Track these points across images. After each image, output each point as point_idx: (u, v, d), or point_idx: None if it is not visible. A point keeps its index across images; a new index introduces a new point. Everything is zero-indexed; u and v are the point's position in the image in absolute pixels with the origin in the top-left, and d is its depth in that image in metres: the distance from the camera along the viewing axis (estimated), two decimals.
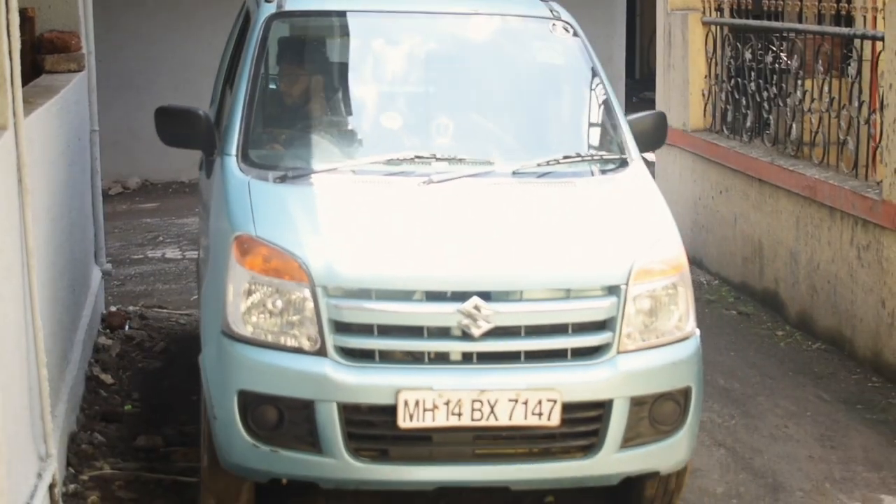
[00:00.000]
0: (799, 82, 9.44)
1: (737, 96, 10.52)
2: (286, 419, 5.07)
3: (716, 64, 10.88)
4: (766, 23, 10.47)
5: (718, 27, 10.84)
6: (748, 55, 10.30)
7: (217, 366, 5.31)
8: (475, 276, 5.19)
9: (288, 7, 6.69)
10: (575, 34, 6.85)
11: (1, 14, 5.08)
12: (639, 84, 21.17)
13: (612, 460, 5.21)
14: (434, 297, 5.15)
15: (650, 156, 14.22)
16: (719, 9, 10.83)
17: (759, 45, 10.15)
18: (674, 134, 11.19)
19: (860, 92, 8.80)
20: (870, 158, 8.40)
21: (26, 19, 7.56)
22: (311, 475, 5.18)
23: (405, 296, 5.15)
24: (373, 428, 5.10)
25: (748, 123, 10.34)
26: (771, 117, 10.07)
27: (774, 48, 9.98)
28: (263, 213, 5.47)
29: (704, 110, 11.10)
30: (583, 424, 5.19)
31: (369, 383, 5.03)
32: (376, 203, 5.72)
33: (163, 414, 7.34)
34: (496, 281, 5.19)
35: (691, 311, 5.48)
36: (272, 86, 6.76)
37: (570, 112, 6.97)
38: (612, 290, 5.24)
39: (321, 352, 5.04)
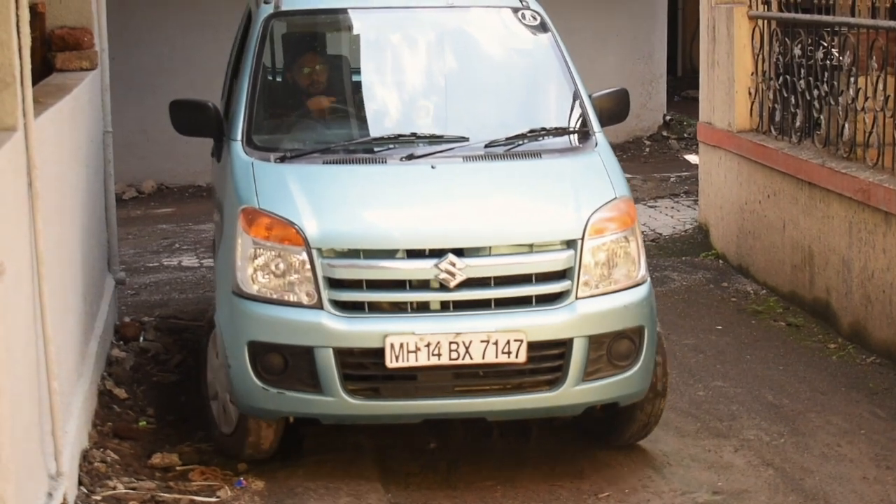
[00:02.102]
0: (852, 79, 9.35)
1: (785, 95, 10.41)
2: (290, 364, 6.20)
3: (763, 60, 10.77)
4: (816, 17, 10.38)
5: (766, 21, 10.73)
6: (797, 51, 10.16)
7: (230, 322, 6.47)
8: (449, 235, 6.33)
9: (284, 7, 7.81)
10: (542, 21, 7.86)
11: (10, 9, 5.08)
12: (681, 81, 21.11)
13: (574, 392, 6.28)
14: (414, 254, 6.29)
15: (693, 158, 14.24)
16: (766, 2, 10.74)
17: (809, 41, 10.04)
18: (719, 135, 11.18)
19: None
20: None
21: (36, 15, 7.59)
22: (313, 412, 6.35)
23: (389, 254, 6.34)
24: (364, 369, 6.26)
25: (797, 123, 10.18)
26: (822, 117, 9.88)
27: (825, 43, 9.89)
28: (265, 188, 6.63)
29: (751, 110, 10.98)
30: (547, 361, 6.27)
31: (360, 330, 6.17)
32: (362, 177, 6.92)
33: (179, 430, 7.38)
34: (467, 238, 6.33)
35: (642, 261, 6.62)
36: (271, 78, 7.94)
37: (537, 92, 8.04)
38: (570, 244, 6.36)
39: (318, 305, 6.18)
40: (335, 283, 6.24)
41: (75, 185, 7.39)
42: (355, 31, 8.27)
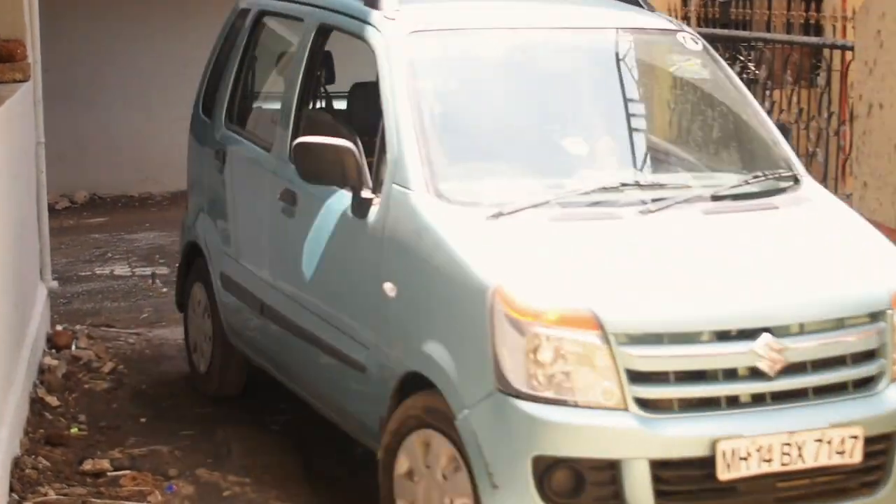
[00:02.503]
0: (767, 93, 9.48)
1: None
2: (587, 482, 4.78)
3: None
4: (733, 32, 10.52)
5: None
6: None
7: (499, 430, 4.85)
8: (761, 310, 5.00)
9: (421, 24, 6.29)
10: (704, 46, 6.69)
11: None
12: None
13: (894, 496, 5.11)
14: (723, 336, 4.93)
15: None
16: (685, 18, 10.83)
17: (727, 55, 9.88)
18: None
19: (829, 103, 8.86)
20: (839, 171, 8.44)
21: None
22: None
23: (695, 337, 4.90)
24: (687, 483, 4.88)
25: None
26: None
27: (742, 58, 10.03)
28: (509, 256, 5.18)
29: None
30: (872, 459, 5.00)
31: (681, 435, 4.80)
32: (614, 237, 5.42)
33: (110, 437, 7.32)
34: (779, 314, 4.99)
35: None
36: (438, 111, 6.03)
37: (731, 128, 6.65)
38: (878, 316, 5.12)
39: (621, 405, 4.75)
40: (638, 377, 4.77)
41: (7, 195, 7.33)
42: (514, 54, 6.53)
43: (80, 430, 7.43)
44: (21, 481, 6.47)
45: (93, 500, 6.38)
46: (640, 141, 6.33)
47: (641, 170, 6.10)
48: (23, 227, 8.19)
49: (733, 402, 4.87)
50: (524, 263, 5.09)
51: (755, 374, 4.87)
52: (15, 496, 6.25)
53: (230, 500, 6.51)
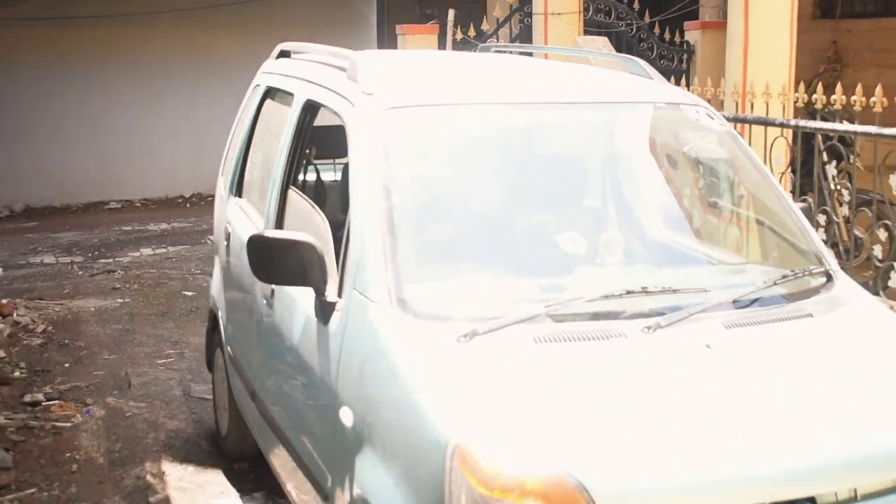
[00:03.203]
0: None
1: None
2: None
3: None
4: None
5: None
6: None
7: None
8: (799, 479, 2.86)
9: (400, 101, 3.99)
10: (719, 120, 4.41)
11: None
12: None
13: None
14: None
15: None
16: None
17: None
18: None
19: None
20: None
21: None
22: None
23: None
24: None
25: None
26: None
27: None
28: (479, 399, 2.93)
29: None
30: None
31: None
32: (611, 367, 3.12)
33: (43, 377, 7.29)
34: (826, 479, 2.88)
35: None
36: (410, 201, 3.71)
37: (752, 216, 4.33)
38: None
39: None
40: None
41: None
42: (500, 133, 4.14)
43: (21, 373, 7.37)
44: None
45: (31, 422, 6.39)
46: (650, 234, 4.19)
47: (649, 271, 3.77)
48: None
49: None
50: (494, 412, 2.89)
51: None
52: None
53: (131, 419, 6.51)
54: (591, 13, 10.99)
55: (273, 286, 4.26)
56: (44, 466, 5.80)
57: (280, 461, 4.42)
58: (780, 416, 3.00)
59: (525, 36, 11.32)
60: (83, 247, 12.06)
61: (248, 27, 14.62)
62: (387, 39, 15.82)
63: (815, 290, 3.72)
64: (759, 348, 3.31)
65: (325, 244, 3.67)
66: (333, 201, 4.97)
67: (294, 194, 4.39)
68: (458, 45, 11.37)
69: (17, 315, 8.87)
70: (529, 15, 10.88)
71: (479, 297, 3.39)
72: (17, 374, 7.35)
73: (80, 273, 10.72)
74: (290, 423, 4.19)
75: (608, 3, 11.24)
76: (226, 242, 5.50)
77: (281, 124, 4.81)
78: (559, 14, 10.13)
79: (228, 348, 5.48)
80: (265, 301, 4.45)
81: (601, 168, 4.44)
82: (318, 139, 5.20)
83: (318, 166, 5.86)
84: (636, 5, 11.22)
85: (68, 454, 5.97)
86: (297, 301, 3.95)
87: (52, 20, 14.26)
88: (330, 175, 5.97)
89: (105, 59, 14.76)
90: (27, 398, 6.80)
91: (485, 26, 11.70)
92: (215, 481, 5.60)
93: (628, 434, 2.85)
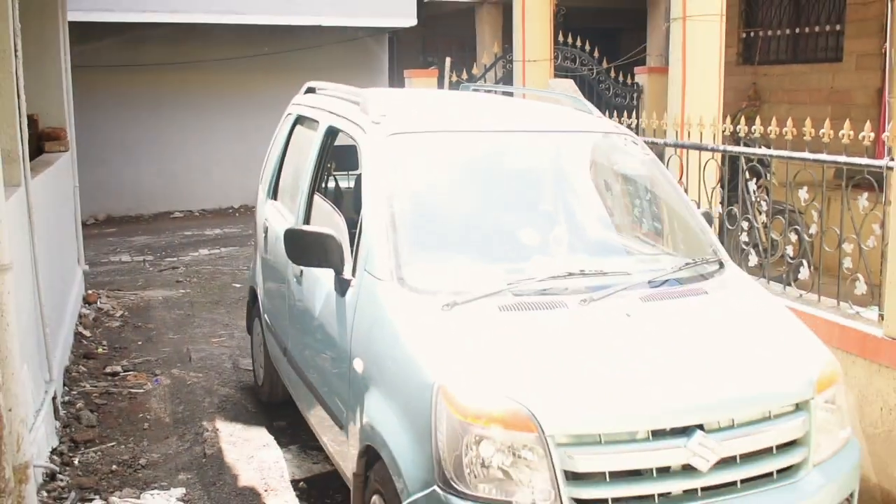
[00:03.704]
0: None
1: None
2: None
3: None
4: None
5: None
6: None
7: None
8: (694, 409, 3.15)
9: (401, 128, 4.29)
10: (642, 146, 4.70)
11: (16, 119, 5.14)
12: None
13: None
14: (658, 434, 3.09)
15: None
16: None
17: None
18: None
19: None
20: None
21: (33, 121, 7.44)
22: None
23: (631, 437, 3.08)
24: None
25: None
26: None
27: None
28: (457, 350, 3.28)
29: None
30: None
31: None
32: (556, 328, 3.43)
33: (121, 353, 7.29)
34: (712, 411, 3.17)
35: (848, 414, 3.58)
36: (408, 205, 4.00)
37: (664, 218, 4.56)
38: (801, 406, 3.33)
39: None
40: (574, 477, 3.00)
41: (58, 216, 7.31)
42: (480, 154, 4.40)
43: (103, 349, 7.38)
44: (69, 379, 6.48)
45: (111, 389, 6.40)
46: (586, 229, 4.37)
47: (586, 259, 3.94)
48: (68, 234, 8.17)
49: (665, 497, 3.07)
50: (468, 361, 3.21)
51: (687, 469, 3.11)
52: (66, 388, 6.27)
53: (191, 386, 6.52)
54: (559, 60, 10.99)
55: (302, 268, 4.50)
56: (121, 424, 5.81)
57: (306, 402, 4.72)
58: (679, 365, 3.33)
59: (507, 79, 11.33)
60: (153, 248, 12.06)
61: (283, 71, 14.62)
62: (396, 80, 15.82)
63: (711, 274, 4.00)
64: (666, 316, 3.61)
65: (342, 236, 3.97)
66: (348, 204, 5.14)
67: (318, 198, 4.66)
68: (453, 86, 11.38)
69: (101, 303, 8.89)
70: (511, 62, 10.89)
71: (459, 277, 3.67)
72: (100, 350, 7.38)
73: (151, 269, 10.73)
74: (314, 372, 4.48)
75: (573, 52, 11.25)
76: (264, 235, 5.73)
77: (308, 144, 5.07)
78: (534, 61, 10.12)
79: (265, 316, 5.71)
80: (295, 279, 4.73)
81: (553, 180, 4.62)
82: (337, 156, 5.36)
83: (337, 177, 6.03)
84: (596, 53, 11.22)
85: (141, 415, 5.99)
86: (320, 279, 4.26)
87: (127, 66, 14.27)
88: (345, 183, 6.13)
89: (169, 96, 14.77)
90: (108, 369, 6.82)
91: (475, 71, 11.71)
92: (259, 436, 5.60)
93: (565, 377, 3.18)
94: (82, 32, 11.39)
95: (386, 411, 3.43)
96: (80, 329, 7.84)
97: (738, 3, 12.32)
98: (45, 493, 4.68)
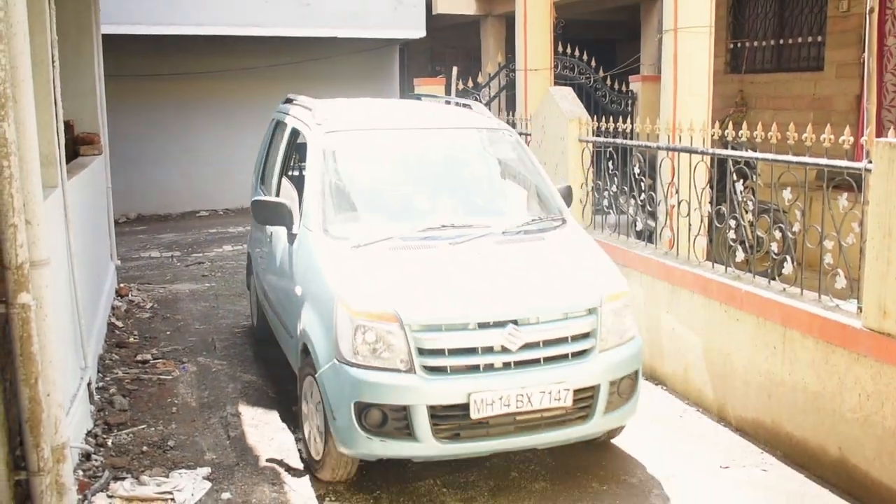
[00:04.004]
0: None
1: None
2: (389, 419, 4.22)
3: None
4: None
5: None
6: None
7: (336, 384, 4.31)
8: (509, 311, 4.33)
9: (334, 127, 5.53)
10: (516, 138, 5.86)
11: (53, 124, 5.15)
12: None
13: (599, 422, 4.51)
14: (483, 326, 4.27)
15: None
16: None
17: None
18: None
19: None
20: None
21: (69, 126, 7.48)
22: (407, 455, 4.35)
23: (463, 327, 4.26)
24: (451, 420, 4.24)
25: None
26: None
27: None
28: (354, 273, 4.52)
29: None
30: (582, 402, 4.43)
31: (448, 389, 4.20)
32: (425, 260, 4.65)
33: (151, 342, 7.31)
34: (522, 312, 4.35)
35: (634, 321, 4.78)
36: (332, 181, 5.24)
37: (524, 188, 5.69)
38: (592, 311, 4.47)
39: (411, 370, 4.19)
40: (423, 352, 4.21)
41: (92, 215, 7.32)
42: (390, 145, 5.65)
43: (134, 339, 7.41)
44: (103, 367, 6.51)
45: (142, 375, 6.43)
46: (465, 197, 5.50)
47: (460, 216, 5.11)
48: (102, 231, 8.19)
49: (488, 367, 4.27)
50: (360, 281, 4.44)
51: (503, 350, 4.28)
52: (100, 374, 6.30)
53: (216, 373, 6.53)
54: (559, 69, 10.96)
55: (271, 230, 5.86)
56: (151, 408, 5.83)
57: (276, 326, 5.93)
58: (506, 282, 4.53)
59: (510, 87, 11.29)
60: (180, 244, 12.09)
61: (300, 79, 14.63)
62: (406, 88, 15.81)
63: (553, 228, 5.20)
64: (507, 253, 4.82)
65: (293, 205, 5.26)
66: (302, 183, 5.73)
67: (285, 180, 5.98)
68: (459, 94, 11.37)
69: (132, 295, 8.93)
70: (513, 71, 10.85)
71: (365, 229, 4.89)
72: (131, 339, 7.41)
73: (178, 264, 10.76)
74: (278, 303, 5.71)
75: (572, 61, 11.21)
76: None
77: (281, 141, 6.32)
78: (536, 70, 10.09)
79: (255, 271, 6.92)
80: (268, 239, 6.00)
81: (445, 162, 5.77)
82: (299, 150, 6.28)
83: (300, 165, 6.72)
84: (593, 63, 11.19)
85: (169, 399, 6.01)
86: (280, 236, 5.52)
87: (156, 76, 14.30)
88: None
89: (194, 104, 14.80)
90: (139, 357, 6.84)
91: (480, 79, 11.69)
92: (278, 420, 5.61)
93: (423, 290, 4.40)
94: (115, 44, 11.40)
95: (311, 318, 4.64)
96: (113, 320, 7.87)
97: (725, 15, 12.28)
98: (80, 473, 4.71)
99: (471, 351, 4.28)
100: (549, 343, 4.40)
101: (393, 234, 4.83)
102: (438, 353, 4.25)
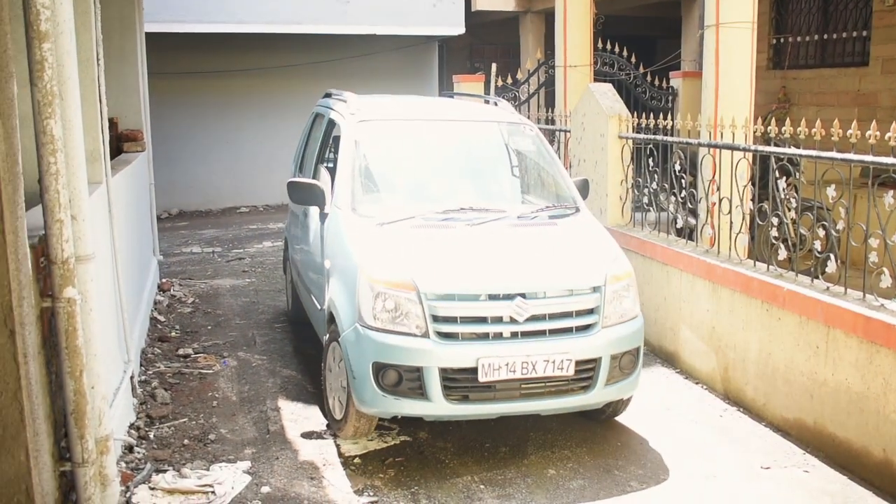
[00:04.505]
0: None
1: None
2: (404, 378, 4.57)
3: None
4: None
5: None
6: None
7: (356, 346, 4.69)
8: (518, 284, 4.69)
9: (365, 117, 5.97)
10: (536, 132, 6.21)
11: (98, 122, 5.21)
12: None
13: (600, 393, 4.81)
14: (493, 297, 4.64)
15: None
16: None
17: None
18: None
19: (561, 158, 9.07)
20: None
21: (113, 124, 7.57)
22: (419, 413, 4.68)
23: (475, 297, 4.63)
24: (460, 382, 4.58)
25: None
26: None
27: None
28: (378, 247, 4.91)
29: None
30: (584, 373, 4.74)
31: (458, 353, 4.55)
32: (444, 238, 5.04)
33: (192, 336, 7.38)
34: (530, 287, 4.69)
35: (637, 301, 5.05)
36: (364, 164, 5.70)
37: (542, 178, 6.09)
38: (596, 289, 4.81)
39: (425, 335, 4.55)
40: (437, 319, 4.58)
41: (136, 211, 7.39)
42: (416, 134, 6.08)
43: (176, 333, 7.47)
44: (145, 360, 6.57)
45: (183, 369, 6.48)
46: (484, 184, 5.91)
47: (478, 200, 5.49)
48: (144, 227, 8.26)
49: (497, 335, 4.61)
50: (383, 254, 4.83)
51: (511, 320, 4.62)
52: (143, 368, 6.36)
53: (256, 368, 6.56)
54: (599, 65, 10.87)
55: (304, 211, 6.33)
56: (192, 402, 5.88)
57: (306, 300, 6.40)
58: (517, 260, 4.90)
59: (549, 83, 11.22)
60: (221, 240, 12.20)
61: (340, 77, 14.69)
62: (445, 85, 15.80)
63: (566, 215, 5.54)
64: (521, 236, 5.20)
65: (326, 186, 5.60)
66: (336, 168, 5.97)
67: (321, 167, 6.25)
68: (498, 90, 11.33)
69: (174, 290, 9.02)
70: (553, 67, 10.79)
71: (390, 209, 5.30)
72: (173, 333, 7.47)
73: (219, 260, 10.85)
74: (309, 277, 6.17)
75: (612, 57, 11.11)
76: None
77: (318, 132, 6.81)
78: (575, 66, 10.03)
79: (290, 255, 7.35)
80: (303, 220, 6.47)
81: (467, 152, 6.14)
82: (335, 139, 6.53)
83: (335, 153, 6.72)
84: (633, 59, 11.09)
85: (210, 393, 6.05)
86: (312, 216, 6.01)
87: (197, 73, 14.43)
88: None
89: (235, 101, 14.93)
90: (180, 351, 6.90)
91: (519, 76, 11.64)
92: (317, 415, 5.63)
93: (439, 263, 4.77)
94: (157, 42, 11.52)
95: (337, 288, 5.05)
96: (155, 314, 7.95)
97: (768, 10, 12.10)
98: (123, 464, 4.76)
99: (481, 320, 4.64)
100: (554, 316, 4.72)
101: (415, 214, 5.22)
102: (451, 320, 4.61)
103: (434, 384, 4.55)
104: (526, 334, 4.66)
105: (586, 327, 4.78)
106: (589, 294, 4.82)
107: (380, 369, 4.60)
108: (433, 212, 5.28)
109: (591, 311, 4.80)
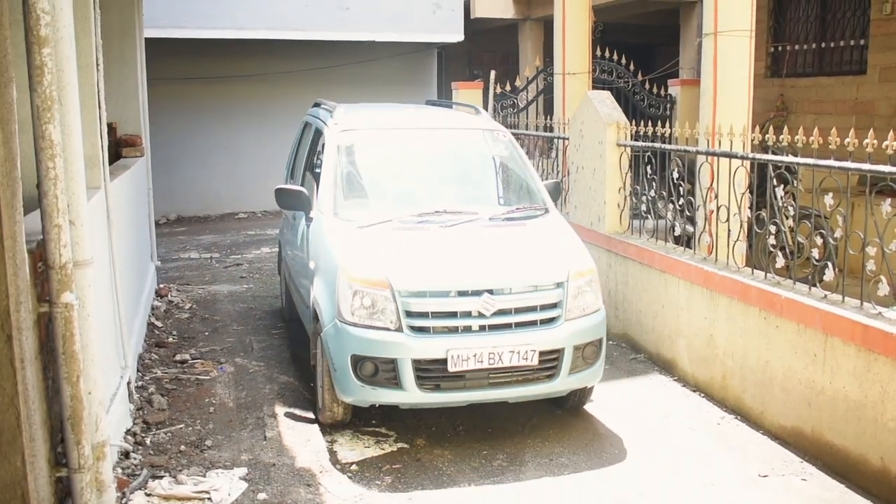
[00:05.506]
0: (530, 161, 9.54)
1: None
2: (380, 370, 4.89)
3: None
4: (515, 130, 10.64)
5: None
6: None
7: (336, 340, 5.00)
8: (485, 282, 4.98)
9: (348, 126, 6.28)
10: (509, 138, 6.54)
11: (96, 127, 5.20)
12: None
13: (564, 381, 5.12)
14: (462, 293, 4.93)
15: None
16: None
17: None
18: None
19: (559, 165, 9.07)
20: (564, 200, 8.50)
21: (112, 129, 7.55)
22: (395, 402, 5.01)
23: (445, 294, 4.93)
24: (432, 372, 4.90)
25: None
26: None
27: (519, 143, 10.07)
28: (357, 248, 5.22)
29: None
30: (548, 363, 5.04)
31: (429, 346, 4.86)
32: (419, 239, 5.35)
33: (189, 342, 7.37)
34: (497, 284, 4.99)
35: (599, 296, 5.34)
36: (346, 171, 6.03)
37: (513, 181, 6.41)
38: (560, 285, 5.11)
39: (399, 329, 4.87)
40: (410, 314, 4.89)
41: (134, 216, 7.39)
42: (395, 142, 6.42)
43: (173, 339, 7.46)
44: (142, 366, 6.56)
45: (181, 375, 6.48)
46: (458, 188, 6.21)
47: (452, 203, 5.80)
48: (142, 232, 8.26)
49: (466, 329, 4.92)
50: (361, 255, 5.13)
51: (479, 315, 4.91)
52: (139, 373, 6.35)
53: (253, 374, 6.56)
54: (597, 73, 10.88)
55: (293, 215, 6.65)
56: (189, 408, 5.87)
57: (296, 299, 6.63)
58: (485, 259, 5.21)
59: (548, 90, 11.23)
60: (219, 246, 12.19)
61: (339, 83, 14.72)
62: (444, 92, 15.82)
63: (536, 216, 5.85)
64: (493, 235, 5.51)
65: (311, 192, 5.97)
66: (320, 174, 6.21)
67: (309, 174, 6.51)
68: (497, 98, 11.35)
69: (171, 296, 9.01)
70: (552, 74, 10.80)
71: (369, 213, 5.64)
72: (170, 339, 7.46)
73: (217, 265, 10.85)
74: (297, 277, 6.44)
75: (610, 65, 11.13)
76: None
77: (307, 140, 7.07)
78: (574, 74, 10.03)
79: (283, 256, 7.71)
80: (292, 224, 6.81)
81: (443, 157, 6.41)
82: (322, 146, 6.52)
83: (322, 160, 6.72)
84: (632, 67, 11.10)
85: (207, 399, 6.04)
86: (300, 219, 6.26)
87: (196, 79, 14.45)
88: None
89: (235, 107, 14.95)
90: (177, 357, 6.89)
91: (518, 83, 11.65)
92: (314, 422, 5.62)
93: (412, 263, 5.07)
94: (157, 48, 11.53)
95: (320, 287, 5.35)
96: (153, 320, 7.94)
97: (766, 18, 12.13)
98: (119, 470, 4.75)
99: (451, 314, 4.94)
100: (519, 310, 5.03)
101: (392, 218, 5.55)
102: (423, 315, 4.92)
103: (408, 374, 4.86)
104: (493, 327, 4.96)
105: (550, 320, 5.08)
106: (552, 289, 5.11)
107: (358, 361, 4.91)
108: (410, 215, 5.59)
109: (554, 306, 5.09)
